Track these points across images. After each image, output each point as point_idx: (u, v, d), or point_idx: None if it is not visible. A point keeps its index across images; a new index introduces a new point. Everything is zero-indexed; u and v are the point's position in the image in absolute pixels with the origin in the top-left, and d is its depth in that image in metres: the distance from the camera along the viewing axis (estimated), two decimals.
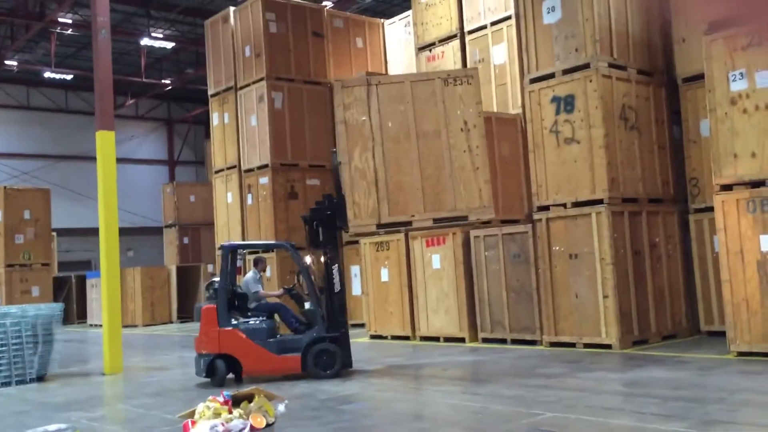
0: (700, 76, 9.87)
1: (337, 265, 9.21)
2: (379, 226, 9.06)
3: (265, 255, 13.34)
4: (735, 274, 8.65)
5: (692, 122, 10.79)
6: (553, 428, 5.81)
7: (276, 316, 9.68)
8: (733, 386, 7.07)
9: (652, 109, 10.98)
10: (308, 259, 9.78)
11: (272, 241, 9.91)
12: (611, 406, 6.63)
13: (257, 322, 9.26)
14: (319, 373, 8.96)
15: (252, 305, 9.66)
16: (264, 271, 10.94)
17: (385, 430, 6.17)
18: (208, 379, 9.12)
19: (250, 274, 10.22)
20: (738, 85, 8.72)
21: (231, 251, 9.67)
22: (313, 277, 9.37)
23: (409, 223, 9.15)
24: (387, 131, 9.07)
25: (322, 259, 9.29)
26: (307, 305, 9.45)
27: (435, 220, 9.16)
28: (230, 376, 9.14)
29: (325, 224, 9.23)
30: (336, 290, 9.15)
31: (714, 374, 7.77)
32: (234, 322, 9.16)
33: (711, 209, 9.95)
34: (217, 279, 9.45)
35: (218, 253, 9.84)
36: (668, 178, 11.14)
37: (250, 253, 14.00)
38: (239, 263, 10.43)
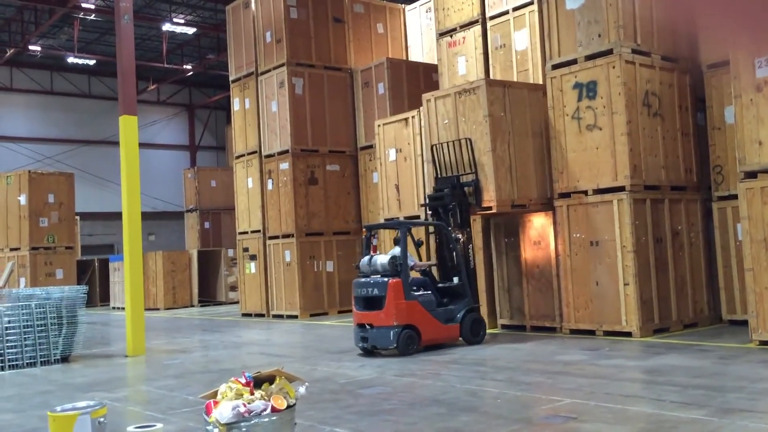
0: (725, 63, 9.75)
1: (472, 244, 10.29)
2: (512, 206, 10.57)
3: None
4: (758, 263, 8.57)
5: (717, 109, 10.66)
6: (572, 415, 5.82)
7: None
8: (754, 375, 7.02)
9: (676, 96, 10.86)
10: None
11: (430, 220, 10.58)
12: (630, 394, 6.62)
13: (425, 294, 9.77)
14: (472, 340, 9.93)
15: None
16: None
17: (403, 413, 6.20)
18: (365, 348, 9.59)
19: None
20: (764, 72, 8.59)
21: (408, 228, 10.18)
22: (455, 254, 10.04)
23: (525, 205, 10.77)
24: (516, 127, 10.67)
25: (460, 238, 10.11)
26: (455, 279, 10.11)
27: (541, 204, 11.04)
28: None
29: (464, 206, 10.24)
30: (471, 266, 10.22)
31: (735, 363, 7.72)
32: (413, 294, 9.63)
33: (735, 197, 9.86)
34: (397, 254, 9.62)
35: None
36: (691, 165, 11.04)
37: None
38: (375, 242, 11.32)
